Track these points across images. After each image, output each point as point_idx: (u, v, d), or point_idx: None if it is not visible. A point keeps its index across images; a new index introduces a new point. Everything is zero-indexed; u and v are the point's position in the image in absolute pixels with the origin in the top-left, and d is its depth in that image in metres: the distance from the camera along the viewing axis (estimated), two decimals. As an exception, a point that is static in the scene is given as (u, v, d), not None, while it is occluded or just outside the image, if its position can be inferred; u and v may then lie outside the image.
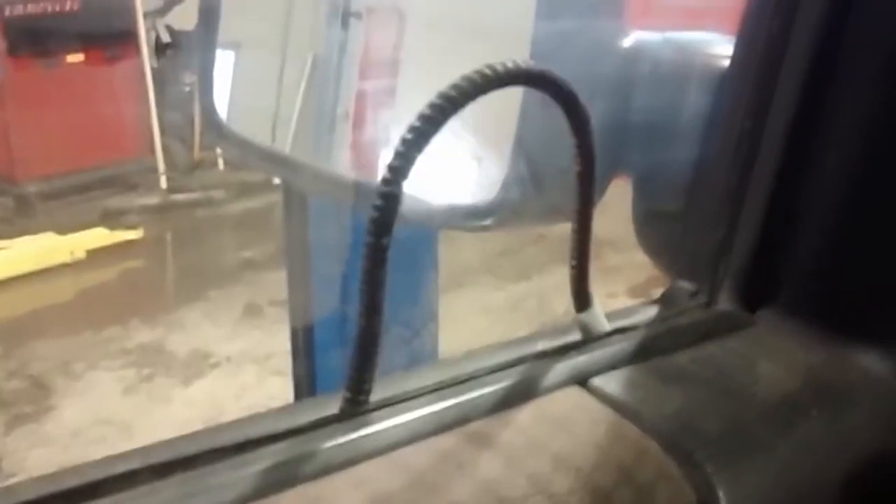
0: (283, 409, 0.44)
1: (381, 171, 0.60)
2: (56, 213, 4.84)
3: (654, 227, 0.58)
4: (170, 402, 3.27)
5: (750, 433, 0.49)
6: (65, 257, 4.17)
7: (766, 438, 0.48)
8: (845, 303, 0.53)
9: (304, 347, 1.55)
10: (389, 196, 0.41)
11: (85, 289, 4.14)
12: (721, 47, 0.57)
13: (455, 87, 0.41)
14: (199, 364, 3.52)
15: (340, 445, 0.41)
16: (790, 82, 0.52)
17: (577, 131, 0.46)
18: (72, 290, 4.11)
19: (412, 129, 0.40)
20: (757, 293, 0.55)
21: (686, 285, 0.56)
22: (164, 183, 5.25)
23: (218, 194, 5.19)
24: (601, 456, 0.45)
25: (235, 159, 5.04)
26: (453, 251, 3.80)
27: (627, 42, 0.56)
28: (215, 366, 3.51)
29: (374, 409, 0.43)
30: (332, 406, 0.43)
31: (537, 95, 0.50)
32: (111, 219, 4.70)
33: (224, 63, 0.78)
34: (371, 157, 0.72)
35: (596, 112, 0.53)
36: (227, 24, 0.76)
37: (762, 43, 0.53)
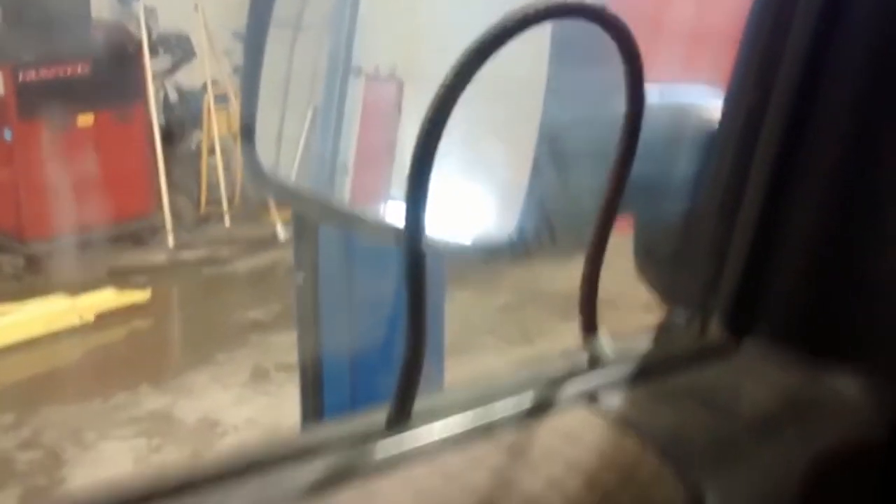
0: (336, 422, 0.54)
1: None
2: (65, 270, 4.95)
3: (652, 262, 0.68)
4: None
5: (733, 444, 0.58)
6: (74, 320, 4.29)
7: (747, 449, 0.58)
8: (819, 330, 0.63)
9: (313, 378, 1.63)
10: (415, 229, 0.48)
11: (94, 351, 4.24)
12: (712, 104, 0.67)
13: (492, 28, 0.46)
14: (207, 433, 3.60)
15: (389, 451, 0.49)
16: (768, 144, 0.63)
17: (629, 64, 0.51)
18: (81, 354, 4.21)
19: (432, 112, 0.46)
20: (743, 322, 0.64)
21: (681, 315, 0.66)
22: (171, 241, 5.38)
23: (224, 251, 5.31)
24: (606, 462, 0.54)
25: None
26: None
27: None
28: (223, 434, 3.59)
29: (415, 421, 0.52)
30: (378, 418, 0.52)
31: (553, 131, 0.59)
32: (119, 277, 4.82)
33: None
34: (371, 204, 0.79)
35: (604, 159, 0.62)
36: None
37: (744, 111, 0.64)
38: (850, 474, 0.60)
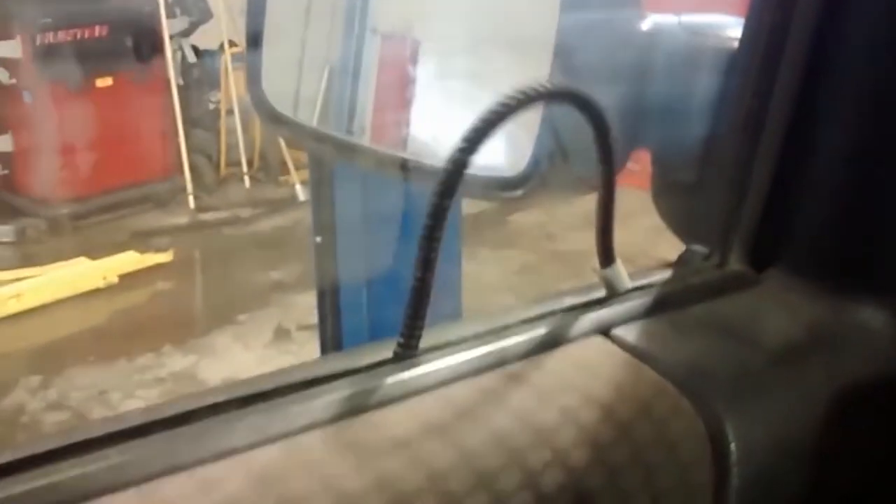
0: (345, 353, 0.53)
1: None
2: (87, 233, 4.99)
3: (670, 196, 0.67)
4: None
5: (755, 376, 0.57)
6: (98, 282, 4.31)
7: (769, 381, 0.57)
8: (844, 262, 0.62)
9: (331, 310, 1.68)
10: (458, 162, 0.48)
11: (118, 313, 4.26)
12: (731, 30, 0.65)
13: (502, 102, 0.49)
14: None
15: (396, 382, 0.49)
16: (792, 65, 0.61)
17: (597, 128, 0.53)
18: (105, 315, 4.23)
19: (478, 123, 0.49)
20: (764, 254, 0.63)
21: (699, 248, 0.65)
22: (192, 202, 5.41)
23: (244, 212, 5.34)
24: (622, 395, 0.53)
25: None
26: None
27: (645, 25, 0.64)
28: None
29: (423, 353, 0.51)
30: (386, 351, 0.52)
31: (567, 58, 0.59)
32: (141, 239, 4.85)
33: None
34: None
35: (618, 91, 0.61)
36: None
37: (766, 30, 0.62)
38: (872, 407, 0.59)
